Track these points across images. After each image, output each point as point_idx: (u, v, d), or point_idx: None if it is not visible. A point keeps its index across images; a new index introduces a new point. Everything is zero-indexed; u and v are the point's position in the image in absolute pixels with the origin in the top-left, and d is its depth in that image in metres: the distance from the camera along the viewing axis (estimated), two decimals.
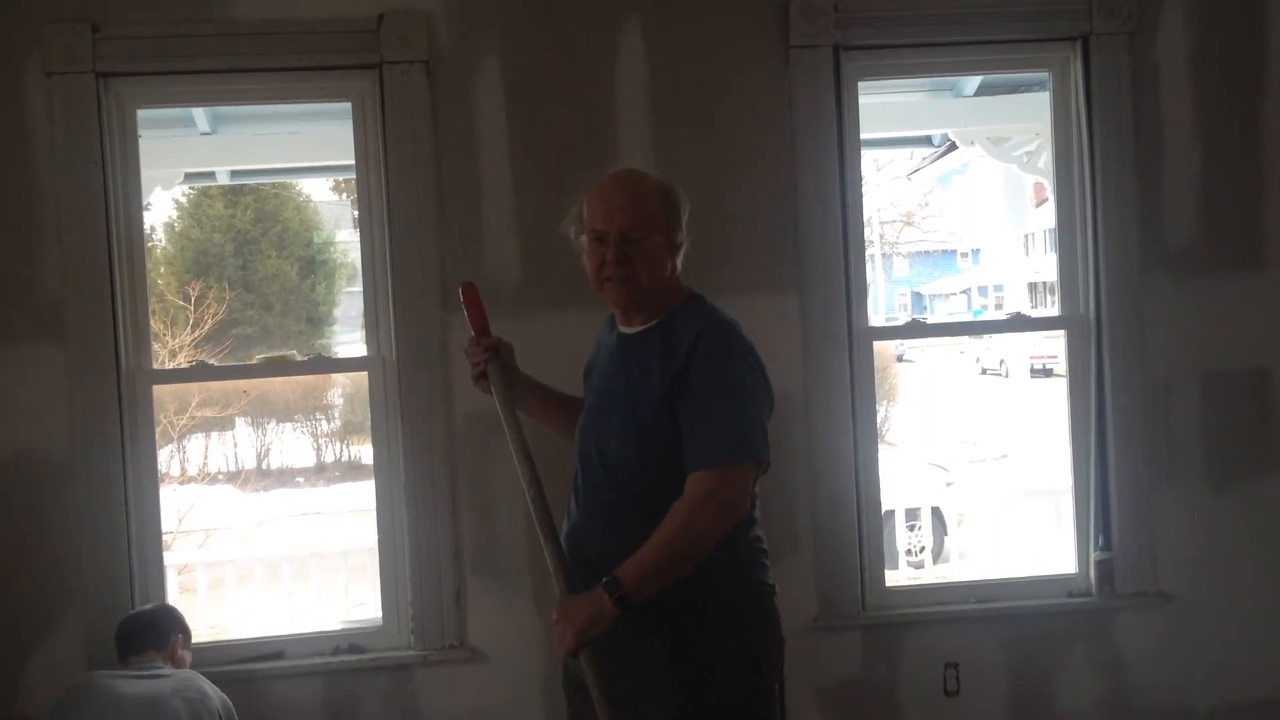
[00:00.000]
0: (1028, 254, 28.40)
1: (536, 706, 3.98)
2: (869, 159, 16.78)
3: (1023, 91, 5.56)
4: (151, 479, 3.96)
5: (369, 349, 4.05)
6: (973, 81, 5.51)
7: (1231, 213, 4.18)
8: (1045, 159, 4.62)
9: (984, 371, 23.15)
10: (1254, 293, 4.19)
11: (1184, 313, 4.17)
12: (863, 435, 4.12)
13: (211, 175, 6.74)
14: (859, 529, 4.08)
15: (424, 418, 3.94)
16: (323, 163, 6.41)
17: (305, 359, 6.29)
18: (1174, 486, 4.17)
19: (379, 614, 4.07)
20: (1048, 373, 17.58)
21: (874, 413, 4.24)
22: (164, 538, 4.07)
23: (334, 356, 13.05)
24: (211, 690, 3.43)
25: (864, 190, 4.20)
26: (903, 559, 7.87)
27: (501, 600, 3.97)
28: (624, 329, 2.92)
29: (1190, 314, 4.17)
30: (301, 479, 15.78)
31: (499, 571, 3.98)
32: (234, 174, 6.76)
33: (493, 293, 3.93)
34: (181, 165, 5.75)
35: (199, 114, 5.25)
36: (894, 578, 4.21)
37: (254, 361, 5.22)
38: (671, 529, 2.60)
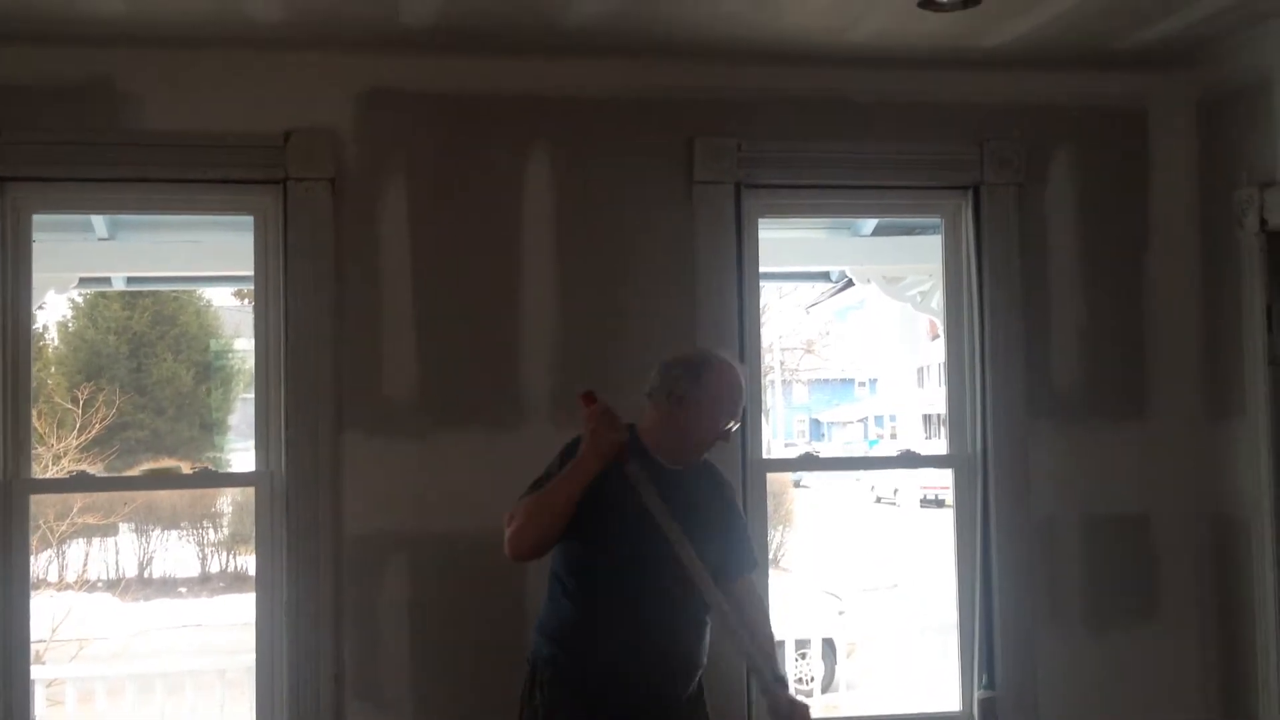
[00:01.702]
0: (922, 386, 28.95)
1: None
2: (772, 288, 17.11)
3: (917, 234, 5.74)
4: (22, 590, 3.83)
5: (258, 464, 3.99)
6: (870, 222, 5.68)
7: (1114, 362, 4.33)
8: (937, 300, 4.75)
9: (878, 500, 23.41)
10: (1135, 440, 4.31)
11: (1067, 456, 4.28)
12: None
13: (108, 280, 6.66)
14: (747, 675, 4.05)
15: (311, 537, 3.89)
16: (222, 272, 6.37)
17: (190, 472, 6.20)
18: (1055, 627, 4.24)
19: None
20: (939, 503, 17.85)
21: (766, 543, 4.26)
22: (35, 648, 3.94)
23: (220, 471, 12.77)
24: None
25: (766, 317, 4.29)
26: (792, 688, 7.82)
27: None
28: (671, 467, 3.23)
29: (1073, 458, 4.28)
30: (184, 589, 15.31)
31: (380, 698, 3.90)
32: (130, 279, 6.68)
33: (390, 411, 3.94)
34: (77, 270, 5.69)
35: (97, 220, 5.21)
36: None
37: (137, 473, 5.13)
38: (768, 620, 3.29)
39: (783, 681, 3.19)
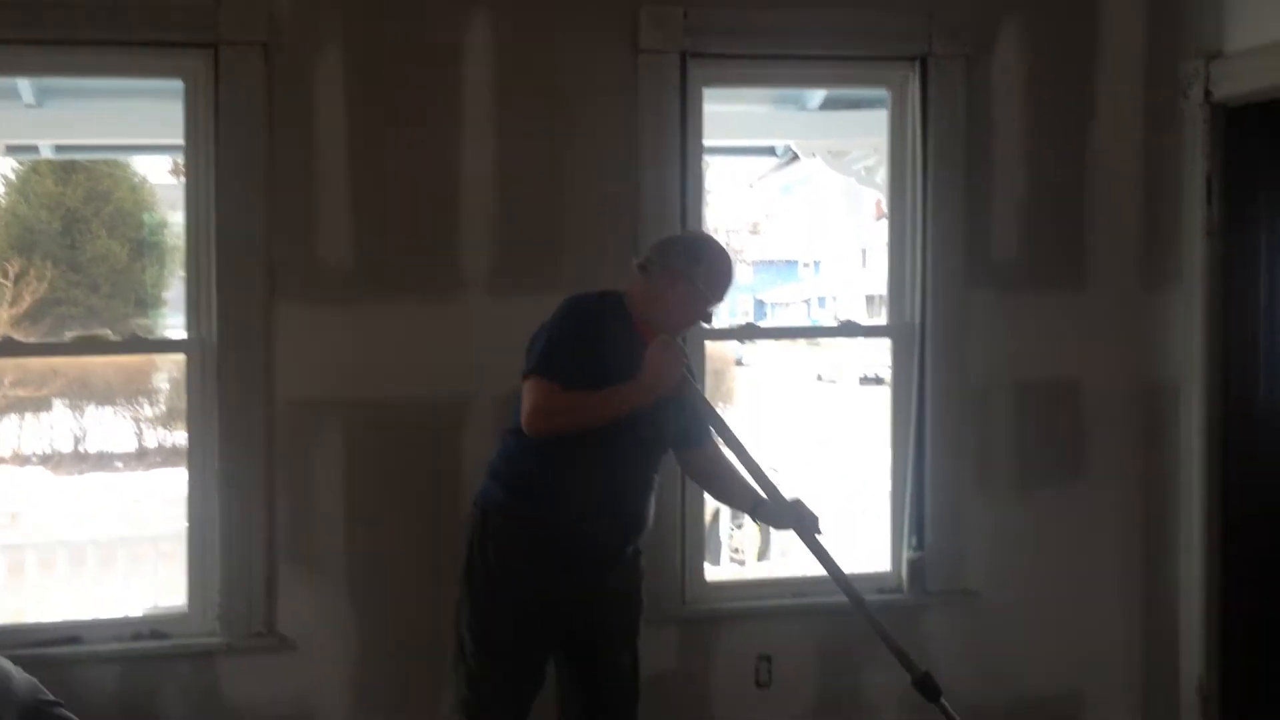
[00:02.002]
0: (865, 267, 29.10)
1: (345, 695, 3.93)
2: (719, 167, 17.01)
3: (864, 108, 5.70)
4: None
5: (189, 331, 3.93)
6: (816, 95, 5.63)
7: (1054, 233, 4.35)
8: (882, 174, 4.74)
9: (819, 378, 23.66)
10: (1071, 310, 4.36)
11: (1004, 326, 4.32)
12: None
13: (35, 149, 6.48)
14: (681, 524, 4.12)
15: (243, 404, 3.85)
16: (153, 141, 6.22)
17: (120, 339, 6.08)
18: (985, 491, 4.33)
19: (185, 601, 3.97)
20: (879, 380, 18.08)
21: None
22: None
23: (150, 338, 12.56)
24: (15, 671, 3.29)
25: (712, 199, 4.26)
26: (727, 556, 8.00)
27: (314, 589, 3.91)
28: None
29: (1010, 328, 4.33)
30: (120, 464, 15.25)
31: (313, 559, 3.91)
32: (59, 148, 6.50)
33: (323, 278, 3.89)
34: (4, 137, 5.54)
35: (24, 85, 5.03)
36: (715, 573, 4.27)
37: (66, 339, 5.04)
38: None
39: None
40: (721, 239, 4.09)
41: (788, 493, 3.39)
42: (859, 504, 7.78)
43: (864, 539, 7.16)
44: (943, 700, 3.31)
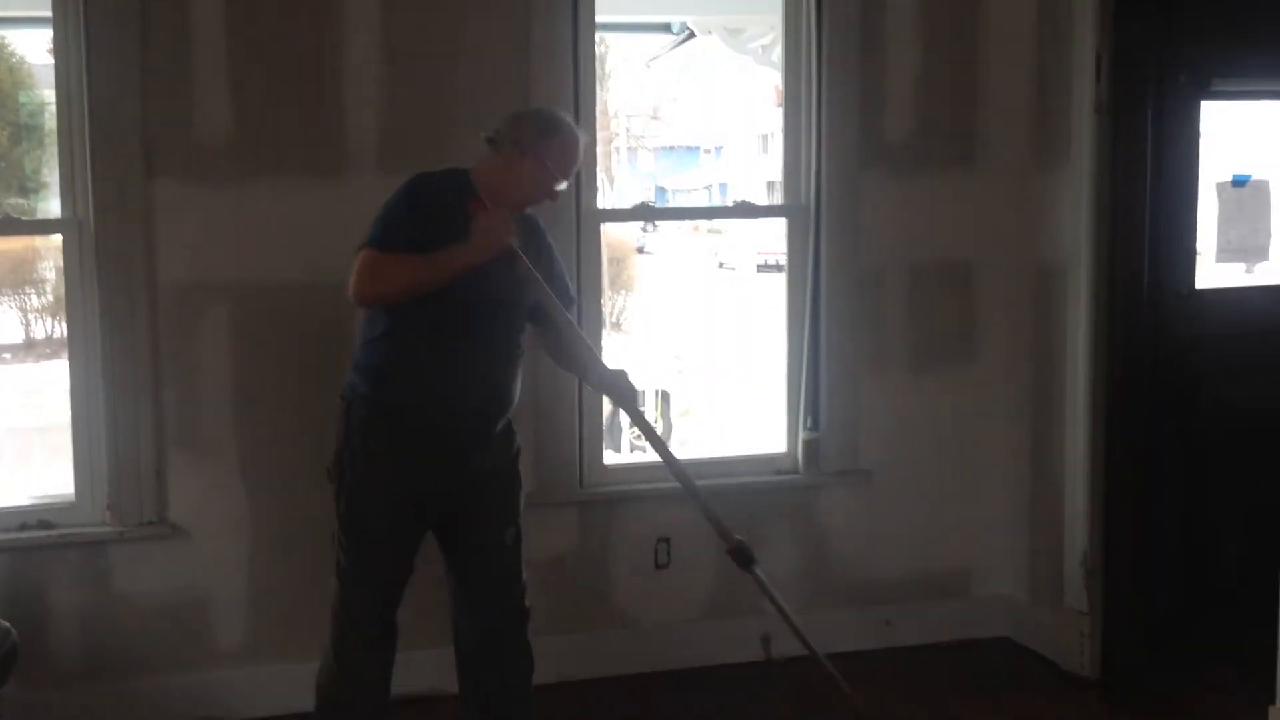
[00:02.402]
0: (766, 153, 29.08)
1: (240, 580, 3.90)
2: (617, 50, 16.74)
3: None
4: None
5: (64, 211, 3.79)
6: None
7: (946, 112, 4.35)
8: (778, 53, 4.68)
9: (721, 266, 23.71)
10: (963, 189, 4.38)
11: (897, 206, 4.33)
12: (587, 315, 4.14)
13: None
14: (579, 410, 4.11)
15: (124, 288, 3.74)
16: (22, 13, 5.90)
17: None
18: (879, 371, 4.37)
19: (72, 490, 3.87)
20: (779, 268, 18.14)
21: (599, 293, 4.26)
22: None
23: (23, 219, 12.09)
24: None
25: (611, 83, 4.18)
26: (626, 441, 8.05)
27: (205, 475, 3.85)
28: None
29: (902, 207, 4.34)
30: (8, 355, 14.84)
31: (204, 446, 3.84)
32: None
33: (204, 156, 3.76)
34: None
35: None
36: (614, 458, 4.28)
37: None
38: None
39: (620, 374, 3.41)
40: (622, 125, 4.03)
41: (614, 365, 3.43)
42: (757, 388, 7.88)
43: (761, 422, 7.28)
44: (755, 569, 3.39)
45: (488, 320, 3.23)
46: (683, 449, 4.39)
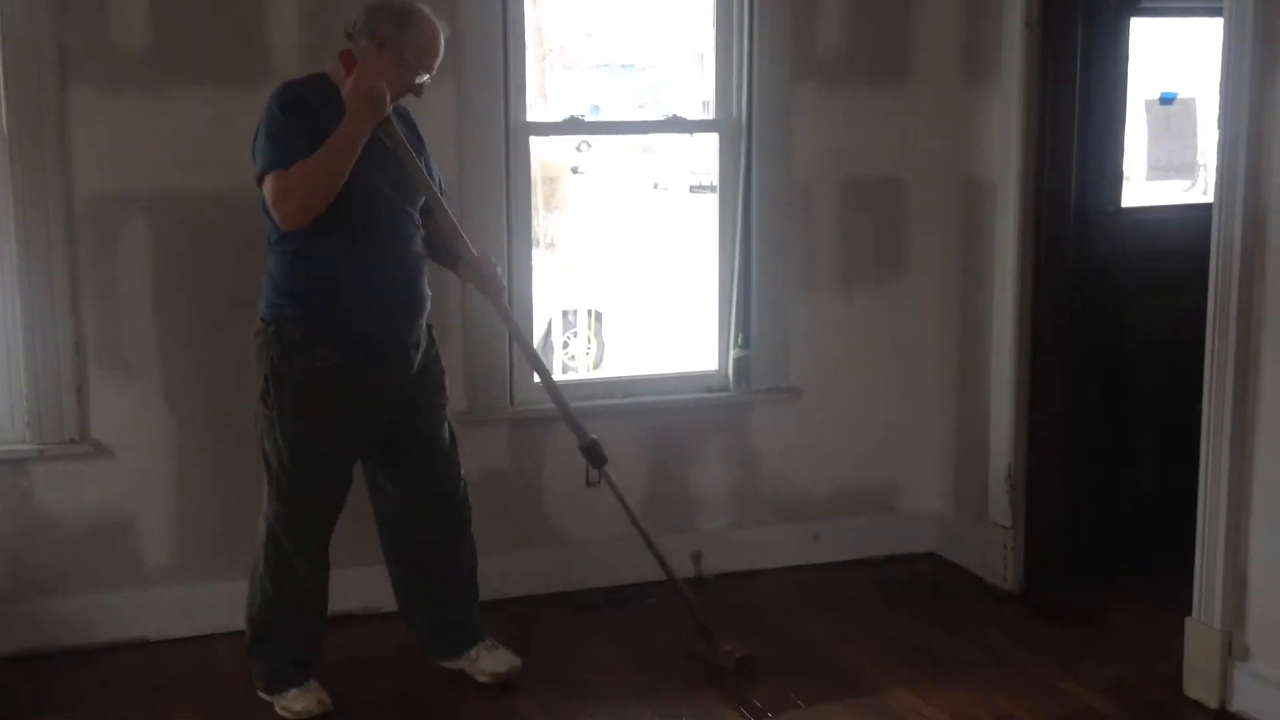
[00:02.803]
0: (702, 73, 28.88)
1: (165, 500, 3.86)
2: None
3: None
4: None
5: None
6: None
7: (878, 26, 4.32)
8: None
9: (655, 187, 23.60)
10: (894, 104, 4.37)
11: (828, 121, 4.31)
12: (516, 232, 4.10)
13: None
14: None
15: (39, 200, 3.62)
16: None
17: None
18: (809, 287, 4.38)
19: None
20: (712, 189, 18.07)
21: (529, 209, 4.22)
22: None
23: None
24: None
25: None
26: (560, 360, 8.04)
27: (128, 393, 3.77)
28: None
29: (833, 123, 4.32)
30: None
31: (124, 362, 3.77)
32: None
33: (121, 64, 3.65)
34: None
35: None
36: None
37: None
38: None
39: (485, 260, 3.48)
40: (555, 42, 3.97)
41: (479, 252, 3.50)
42: (689, 307, 7.87)
43: (693, 341, 7.29)
44: (606, 469, 3.54)
45: (390, 219, 3.25)
46: (616, 368, 4.37)
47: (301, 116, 3.12)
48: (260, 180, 3.13)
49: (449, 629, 3.57)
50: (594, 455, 3.56)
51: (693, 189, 19.14)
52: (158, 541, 3.86)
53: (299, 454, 3.24)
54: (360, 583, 3.75)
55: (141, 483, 3.82)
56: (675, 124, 4.31)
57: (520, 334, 3.65)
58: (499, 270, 3.51)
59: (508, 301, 3.64)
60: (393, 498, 3.48)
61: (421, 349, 3.38)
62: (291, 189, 3.06)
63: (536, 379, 3.61)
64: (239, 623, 3.54)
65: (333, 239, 3.16)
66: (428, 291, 3.37)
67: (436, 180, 3.41)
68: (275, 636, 3.37)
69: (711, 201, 4.35)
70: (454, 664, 3.59)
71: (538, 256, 4.23)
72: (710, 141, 4.33)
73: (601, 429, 4.19)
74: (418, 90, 3.25)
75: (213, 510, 3.86)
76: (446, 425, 3.51)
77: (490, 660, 3.56)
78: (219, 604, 3.79)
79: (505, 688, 3.52)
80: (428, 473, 3.47)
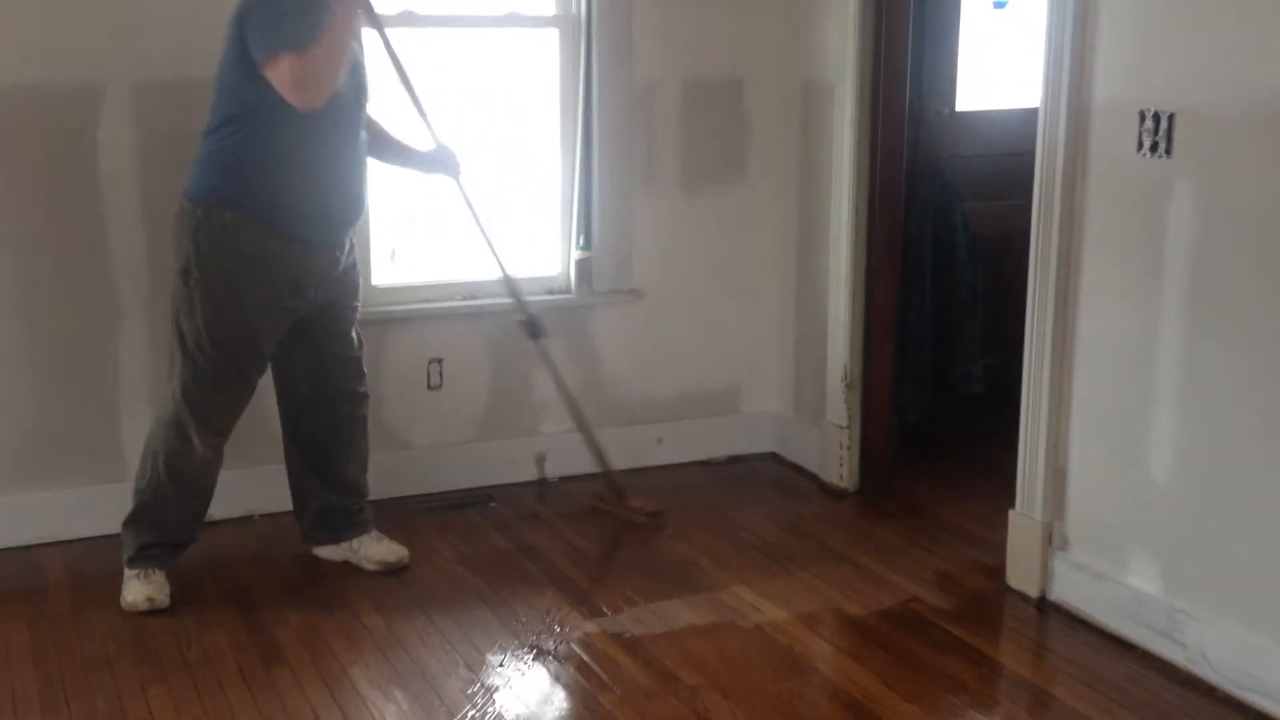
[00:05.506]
0: None
1: (18, 403, 3.72)
2: None
3: None
4: None
5: None
6: None
7: None
8: None
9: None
10: (735, 5, 4.34)
11: (670, 20, 4.27)
12: None
13: None
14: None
15: None
16: None
17: None
18: (652, 189, 4.37)
19: None
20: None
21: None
22: None
23: None
24: None
25: None
26: (394, 260, 7.88)
27: None
28: None
29: (675, 22, 4.28)
30: None
31: None
32: None
33: None
34: None
35: None
36: (385, 279, 4.18)
37: None
38: None
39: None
40: None
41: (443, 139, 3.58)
42: (532, 209, 7.77)
43: (533, 243, 7.21)
44: (542, 342, 3.61)
45: (345, 116, 3.27)
46: (457, 271, 4.31)
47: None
48: (266, 63, 3.06)
49: (334, 514, 3.66)
50: (534, 329, 3.59)
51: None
52: (8, 446, 3.72)
53: (216, 336, 3.26)
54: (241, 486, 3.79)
55: None
56: (514, 19, 4.21)
57: (476, 212, 3.62)
58: (455, 151, 3.58)
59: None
60: (300, 389, 3.56)
61: (346, 251, 3.45)
62: (315, 73, 3.05)
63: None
64: (67, 532, 3.52)
65: (289, 129, 3.16)
66: (366, 194, 3.43)
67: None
68: (155, 515, 3.42)
69: (554, 97, 4.28)
70: (337, 553, 3.68)
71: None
72: (550, 38, 4.25)
73: (443, 333, 4.18)
74: None
75: (36, 417, 3.73)
76: (356, 328, 3.60)
77: (378, 550, 3.66)
78: (46, 513, 3.70)
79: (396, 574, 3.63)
80: (337, 369, 3.56)
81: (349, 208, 3.37)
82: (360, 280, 3.60)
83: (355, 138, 3.35)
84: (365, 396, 3.67)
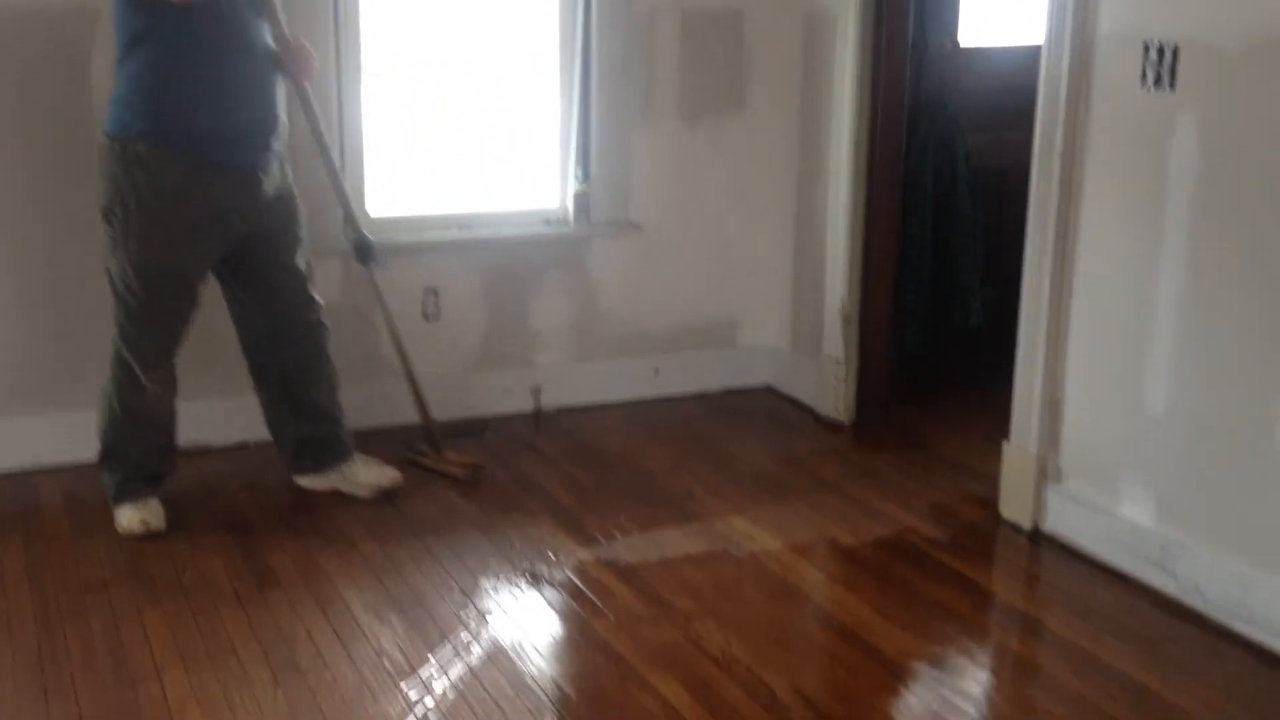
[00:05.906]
0: None
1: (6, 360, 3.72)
2: None
3: None
4: None
5: None
6: None
7: None
8: None
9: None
10: None
11: None
12: (345, 62, 3.96)
13: None
14: (340, 157, 3.95)
15: None
16: None
17: None
18: (650, 122, 4.33)
19: None
20: None
21: (358, 41, 4.04)
22: None
23: None
24: None
25: None
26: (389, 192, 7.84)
27: None
28: None
29: None
30: None
31: None
32: None
33: None
34: None
35: None
36: (380, 208, 4.16)
37: None
38: None
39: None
40: None
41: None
42: (527, 140, 7.71)
43: (535, 176, 7.16)
44: (372, 264, 3.68)
45: (244, 31, 3.19)
46: (454, 203, 4.30)
47: None
48: None
49: (311, 444, 3.64)
50: (363, 252, 3.61)
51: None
52: None
53: (143, 274, 3.23)
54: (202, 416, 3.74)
55: None
56: None
57: (314, 117, 3.50)
58: (307, 46, 3.41)
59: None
60: (256, 325, 3.53)
61: (275, 177, 3.36)
62: None
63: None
64: (63, 456, 3.55)
65: (188, 52, 3.09)
66: (281, 113, 3.33)
67: None
68: (122, 452, 3.43)
69: (553, 31, 4.24)
70: (324, 482, 3.67)
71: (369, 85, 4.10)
72: None
73: (438, 264, 4.17)
74: None
75: (31, 342, 3.73)
76: (303, 256, 3.52)
77: (369, 474, 3.67)
78: (42, 438, 3.71)
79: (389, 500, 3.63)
80: (284, 299, 3.50)
81: (259, 121, 3.26)
82: (299, 207, 3.50)
83: (255, 49, 3.25)
84: (322, 326, 3.60)
